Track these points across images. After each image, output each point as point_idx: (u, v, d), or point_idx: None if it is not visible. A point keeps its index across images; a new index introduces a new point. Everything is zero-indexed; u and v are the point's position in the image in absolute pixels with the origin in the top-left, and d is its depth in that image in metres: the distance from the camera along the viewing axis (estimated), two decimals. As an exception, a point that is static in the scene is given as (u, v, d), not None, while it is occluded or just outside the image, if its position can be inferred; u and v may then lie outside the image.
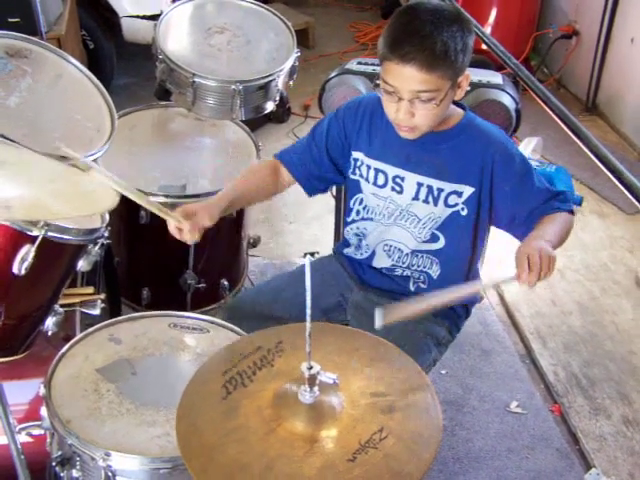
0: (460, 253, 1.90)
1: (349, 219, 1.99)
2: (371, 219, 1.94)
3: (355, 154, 1.92)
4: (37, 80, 2.12)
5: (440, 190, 1.82)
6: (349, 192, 1.99)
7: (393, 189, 1.87)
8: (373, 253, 1.97)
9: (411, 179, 1.85)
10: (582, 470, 2.37)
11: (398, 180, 1.86)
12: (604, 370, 2.72)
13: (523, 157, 1.84)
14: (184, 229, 1.73)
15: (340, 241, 2.11)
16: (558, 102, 2.01)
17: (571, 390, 2.63)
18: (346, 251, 2.03)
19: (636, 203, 1.66)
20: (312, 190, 2.01)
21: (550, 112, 2.02)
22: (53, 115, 2.08)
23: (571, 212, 1.81)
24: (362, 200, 1.94)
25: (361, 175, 1.92)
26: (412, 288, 1.95)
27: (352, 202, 1.97)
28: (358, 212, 1.96)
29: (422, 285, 1.94)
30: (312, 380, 1.27)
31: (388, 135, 1.83)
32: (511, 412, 2.55)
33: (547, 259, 1.58)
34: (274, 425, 1.26)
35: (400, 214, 1.89)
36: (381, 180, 1.89)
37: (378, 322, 1.44)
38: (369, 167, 1.89)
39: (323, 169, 1.96)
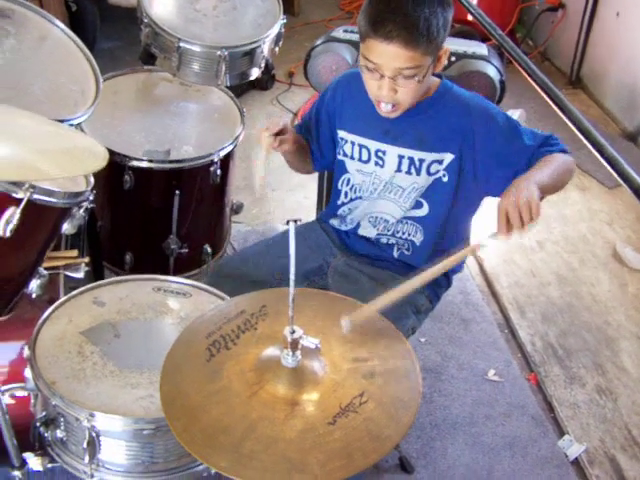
0: (441, 220, 1.92)
1: (339, 202, 2.00)
2: (360, 197, 1.95)
3: (340, 133, 1.93)
4: (21, 41, 2.09)
5: (421, 160, 1.83)
6: (335, 174, 2.00)
7: (376, 163, 1.89)
8: (358, 225, 1.99)
9: (392, 152, 1.85)
10: (556, 436, 2.42)
11: (380, 154, 1.87)
12: (580, 340, 2.77)
13: (506, 116, 1.82)
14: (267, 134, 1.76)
15: (324, 210, 2.12)
16: (543, 75, 2.02)
17: (547, 360, 2.68)
18: (331, 222, 2.05)
19: (617, 177, 1.68)
20: (317, 165, 2.05)
21: (534, 85, 2.03)
22: (37, 77, 2.05)
23: (564, 152, 1.78)
24: (349, 180, 1.95)
25: (345, 154, 1.93)
26: (396, 255, 1.97)
27: (340, 184, 1.98)
28: (346, 194, 1.98)
29: (406, 252, 1.96)
30: (294, 344, 1.29)
31: (367, 110, 1.83)
32: (488, 380, 2.59)
33: (527, 208, 1.51)
34: (256, 388, 1.29)
35: (384, 187, 1.90)
36: (365, 155, 1.90)
37: (345, 329, 1.41)
38: (353, 143, 1.90)
39: (321, 147, 1.99)
